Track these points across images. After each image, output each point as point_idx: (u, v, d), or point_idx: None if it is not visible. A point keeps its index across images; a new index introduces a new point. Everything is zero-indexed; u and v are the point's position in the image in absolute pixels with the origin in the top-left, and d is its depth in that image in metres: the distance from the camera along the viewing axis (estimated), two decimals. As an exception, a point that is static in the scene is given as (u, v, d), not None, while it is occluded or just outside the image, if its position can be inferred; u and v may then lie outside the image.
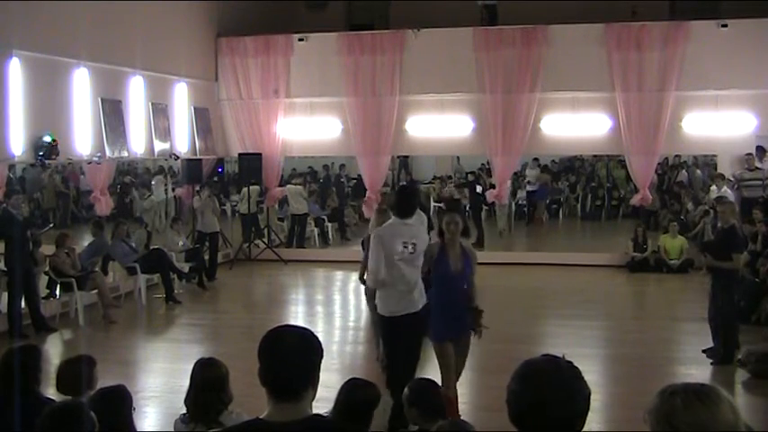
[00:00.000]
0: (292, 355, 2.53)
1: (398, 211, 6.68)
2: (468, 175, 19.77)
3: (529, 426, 2.24)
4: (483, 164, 20.84)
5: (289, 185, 17.71)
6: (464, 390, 8.08)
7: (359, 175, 18.35)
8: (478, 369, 8.98)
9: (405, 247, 6.47)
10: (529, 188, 21.66)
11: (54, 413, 3.77)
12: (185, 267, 13.60)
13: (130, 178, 18.48)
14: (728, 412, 2.10)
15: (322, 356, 2.60)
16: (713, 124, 15.22)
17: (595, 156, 22.75)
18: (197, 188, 15.02)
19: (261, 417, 2.56)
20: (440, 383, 5.71)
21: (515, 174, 20.97)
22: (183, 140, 15.71)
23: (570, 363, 2.29)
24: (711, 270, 8.92)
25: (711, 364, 8.80)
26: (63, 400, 4.24)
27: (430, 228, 9.14)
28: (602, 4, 16.04)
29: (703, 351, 9.09)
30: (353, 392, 4.29)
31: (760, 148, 14.97)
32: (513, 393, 2.26)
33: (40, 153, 11.38)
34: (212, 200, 14.37)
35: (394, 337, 6.64)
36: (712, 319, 8.94)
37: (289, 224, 18.11)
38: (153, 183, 17.07)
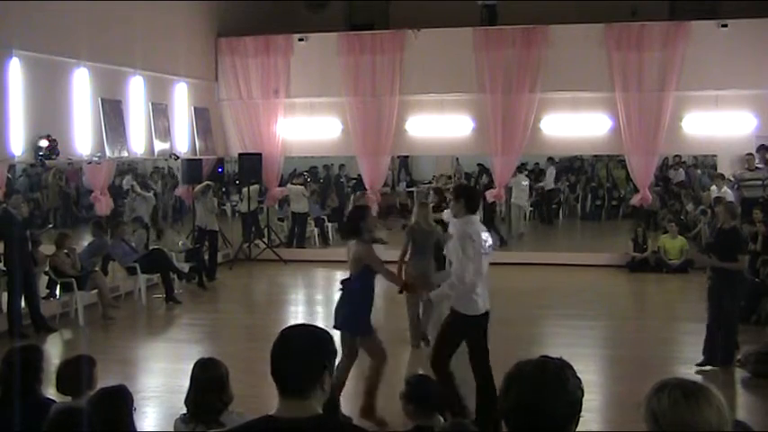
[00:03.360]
0: (298, 354, 2.56)
1: (472, 208, 6.68)
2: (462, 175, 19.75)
3: (514, 424, 2.26)
4: (480, 164, 20.88)
5: (290, 185, 17.73)
6: (465, 390, 8.09)
7: (359, 175, 18.35)
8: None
9: (485, 241, 6.55)
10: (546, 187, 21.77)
11: (60, 416, 3.76)
12: (185, 267, 13.60)
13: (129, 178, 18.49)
14: (713, 415, 2.09)
15: (334, 357, 2.65)
16: (713, 124, 15.22)
17: (595, 156, 22.77)
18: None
19: (271, 414, 2.59)
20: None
21: (531, 171, 20.97)
22: (183, 140, 15.71)
23: (562, 366, 2.29)
24: (715, 271, 8.71)
25: (711, 366, 8.68)
26: (67, 403, 4.24)
27: None
28: (602, 4, 16.05)
29: (701, 356, 9.02)
30: None
31: (763, 147, 14.89)
32: (501, 392, 2.30)
33: (40, 153, 11.38)
34: (211, 200, 14.37)
35: (481, 335, 6.67)
36: (714, 320, 8.81)
37: (289, 224, 18.12)
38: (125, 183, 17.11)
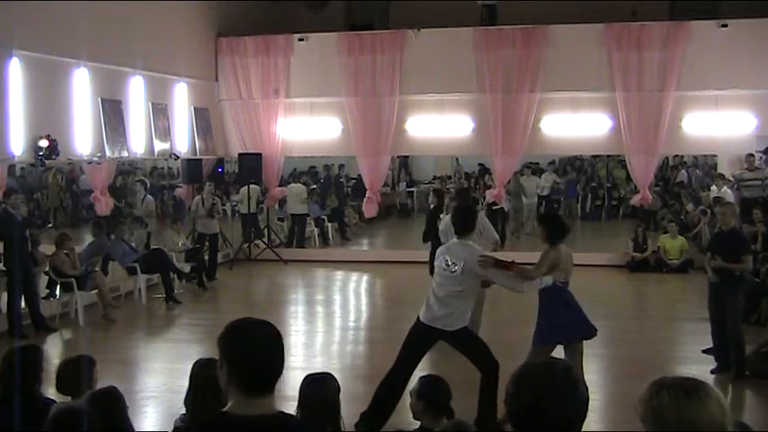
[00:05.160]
0: (273, 350, 2.54)
1: (457, 230, 6.70)
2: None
3: (524, 428, 2.24)
4: (481, 164, 20.86)
5: (291, 185, 17.72)
6: (466, 390, 8.09)
7: (359, 175, 18.35)
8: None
9: (447, 265, 6.51)
10: (541, 192, 21.62)
11: (60, 416, 3.76)
12: (185, 267, 13.61)
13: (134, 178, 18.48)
14: (717, 410, 2.09)
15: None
16: (713, 124, 15.23)
17: (595, 156, 22.77)
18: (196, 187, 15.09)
19: (229, 410, 2.54)
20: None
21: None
22: (183, 140, 15.72)
23: (568, 367, 2.28)
24: (719, 273, 8.55)
25: (713, 372, 8.61)
26: (67, 403, 4.23)
27: None
28: (602, 4, 16.05)
29: (703, 351, 9.07)
30: (310, 387, 4.30)
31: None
32: (509, 395, 2.27)
33: (40, 153, 11.37)
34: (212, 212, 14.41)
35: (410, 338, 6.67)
36: (716, 323, 8.73)
37: (289, 224, 18.12)
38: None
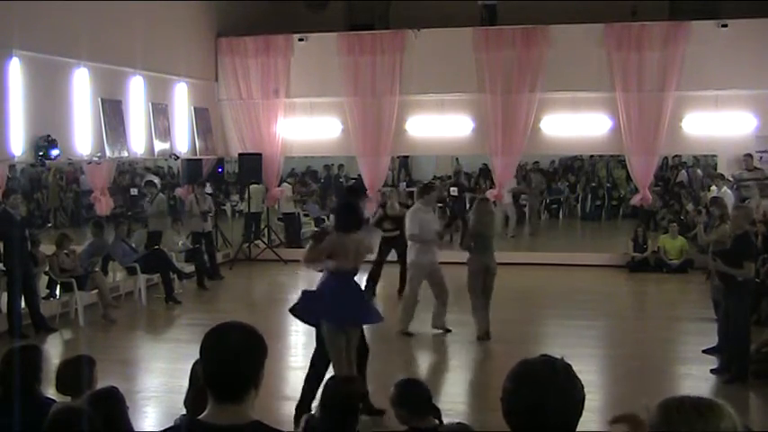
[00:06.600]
0: (234, 356, 2.44)
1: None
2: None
3: (521, 425, 2.22)
4: (485, 164, 20.83)
5: (284, 183, 17.73)
6: (466, 389, 8.10)
7: (359, 175, 18.33)
8: (479, 369, 9.00)
9: None
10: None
11: (60, 416, 3.76)
12: (185, 267, 13.60)
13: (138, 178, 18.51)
14: (731, 428, 2.07)
15: (266, 356, 2.52)
16: (713, 124, 15.22)
17: (593, 156, 22.76)
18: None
19: (200, 418, 2.49)
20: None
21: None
22: (183, 140, 15.71)
23: (567, 365, 2.26)
24: (722, 277, 8.45)
25: (713, 372, 8.57)
26: (67, 403, 4.23)
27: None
28: (602, 4, 16.04)
29: (704, 351, 9.08)
30: (335, 389, 4.32)
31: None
32: (507, 392, 2.24)
33: (40, 153, 11.38)
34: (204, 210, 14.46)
35: None
36: (722, 323, 8.67)
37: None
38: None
